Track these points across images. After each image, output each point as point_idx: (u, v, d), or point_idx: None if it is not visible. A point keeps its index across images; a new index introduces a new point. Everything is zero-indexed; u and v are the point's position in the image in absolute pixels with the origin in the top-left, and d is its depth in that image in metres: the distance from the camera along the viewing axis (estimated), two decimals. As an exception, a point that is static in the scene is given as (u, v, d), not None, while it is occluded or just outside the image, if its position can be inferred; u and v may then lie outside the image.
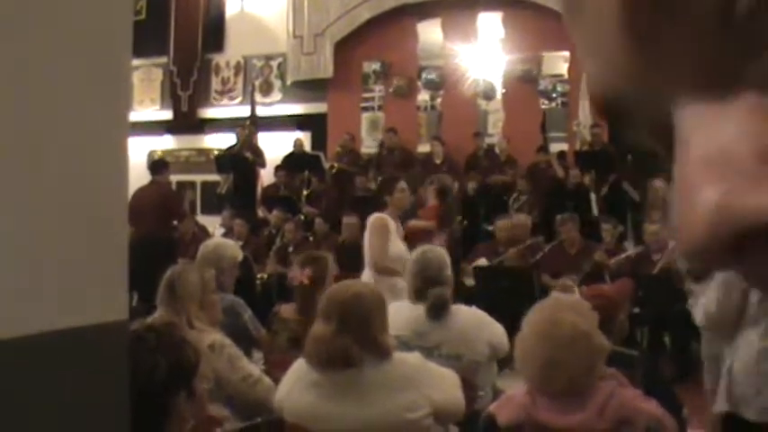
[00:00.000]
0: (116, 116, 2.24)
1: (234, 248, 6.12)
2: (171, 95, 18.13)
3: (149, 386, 2.55)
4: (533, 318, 3.25)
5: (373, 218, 7.44)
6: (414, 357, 3.78)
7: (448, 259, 5.05)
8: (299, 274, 5.65)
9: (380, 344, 3.73)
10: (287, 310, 5.63)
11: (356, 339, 3.66)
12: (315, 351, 3.66)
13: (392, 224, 7.33)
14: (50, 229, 2.04)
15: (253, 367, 4.54)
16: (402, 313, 4.56)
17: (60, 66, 2.05)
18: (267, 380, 4.45)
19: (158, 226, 11.14)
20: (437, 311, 4.77)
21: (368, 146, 16.55)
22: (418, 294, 4.88)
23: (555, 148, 14.97)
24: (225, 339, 4.42)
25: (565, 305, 3.34)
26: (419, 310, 4.81)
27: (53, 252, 2.05)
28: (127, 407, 2.27)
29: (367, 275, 7.13)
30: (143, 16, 17.86)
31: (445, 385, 3.79)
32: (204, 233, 13.16)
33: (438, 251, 5.18)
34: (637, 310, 8.88)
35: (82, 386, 2.11)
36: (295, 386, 3.79)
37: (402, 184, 7.66)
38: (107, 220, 2.20)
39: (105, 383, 2.19)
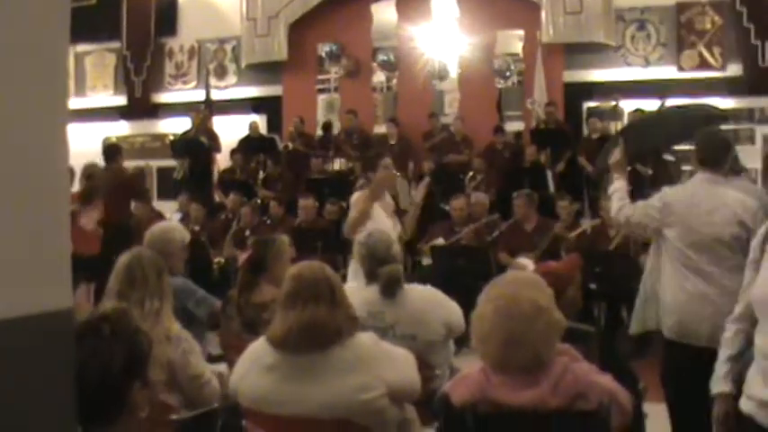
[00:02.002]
0: (55, 102, 2.21)
1: (181, 231, 6.02)
2: (124, 80, 17.99)
3: (105, 377, 2.53)
4: (491, 294, 3.22)
5: (355, 195, 7.73)
6: (368, 338, 3.77)
7: (394, 238, 5.07)
8: (243, 257, 5.70)
9: (355, 318, 3.85)
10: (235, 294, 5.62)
11: (345, 316, 3.74)
12: (293, 334, 3.63)
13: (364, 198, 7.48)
14: (-11, 217, 2.01)
15: (205, 366, 4.47)
16: (356, 294, 4.55)
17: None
18: (215, 383, 4.40)
19: (114, 212, 11.04)
20: (390, 289, 4.78)
21: (325, 127, 16.53)
22: (370, 276, 4.89)
23: (511, 126, 15.05)
24: (183, 331, 4.36)
25: (523, 281, 3.32)
26: (372, 290, 4.82)
27: (-8, 240, 2.02)
28: (73, 396, 2.24)
29: None
30: (94, 1, 17.68)
31: (400, 365, 3.79)
32: (160, 219, 13.08)
33: (383, 232, 5.19)
34: (593, 285, 8.91)
35: (26, 377, 2.08)
36: (251, 370, 3.77)
37: (386, 161, 7.74)
38: (48, 207, 2.17)
39: (50, 373, 2.16)
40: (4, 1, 2.05)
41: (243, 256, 6.08)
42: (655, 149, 10.65)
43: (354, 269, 7.26)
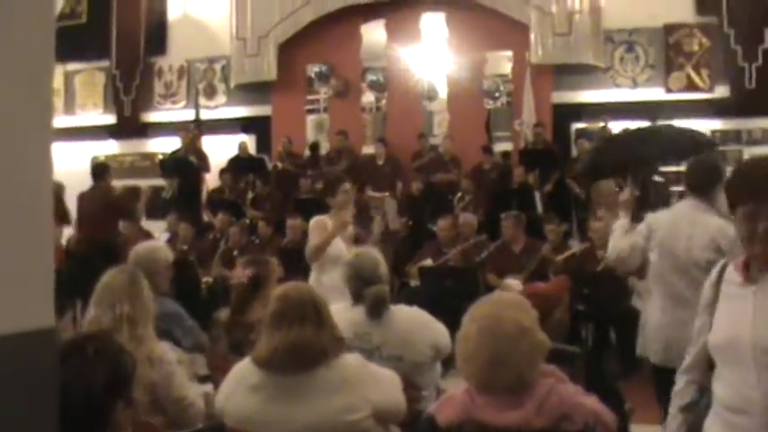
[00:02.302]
0: (39, 120, 2.21)
1: (165, 251, 6.00)
2: (114, 100, 17.99)
3: (88, 397, 2.52)
4: (475, 314, 3.23)
5: (314, 220, 7.58)
6: (354, 359, 3.77)
7: (382, 259, 5.05)
8: (240, 273, 5.65)
9: (341, 339, 3.84)
10: (227, 314, 5.59)
11: (331, 336, 3.74)
12: (278, 355, 3.63)
13: (331, 225, 7.40)
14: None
15: (189, 388, 4.40)
16: (342, 315, 4.54)
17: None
18: (200, 405, 4.34)
19: (102, 231, 11.03)
20: (376, 310, 4.76)
21: (314, 148, 16.55)
22: (356, 296, 4.88)
23: (500, 147, 15.07)
24: (166, 354, 4.31)
25: (506, 302, 3.32)
26: (359, 311, 4.80)
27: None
28: (55, 417, 2.23)
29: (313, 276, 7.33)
30: (84, 20, 17.74)
31: (385, 386, 3.78)
32: (149, 238, 13.05)
33: (371, 252, 5.17)
34: (581, 307, 8.92)
35: (9, 396, 2.07)
36: (236, 390, 3.76)
37: (345, 186, 7.72)
38: (31, 225, 2.16)
39: (32, 394, 2.15)
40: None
41: (236, 274, 6.01)
42: (640, 163, 10.77)
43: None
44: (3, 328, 2.04)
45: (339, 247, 7.26)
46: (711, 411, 3.34)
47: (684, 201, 5.49)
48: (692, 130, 11.34)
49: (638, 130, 11.76)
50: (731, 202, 3.21)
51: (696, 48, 14.74)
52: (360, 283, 4.86)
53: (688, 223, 5.21)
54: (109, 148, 18.04)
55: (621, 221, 5.77)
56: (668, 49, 14.85)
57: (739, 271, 3.29)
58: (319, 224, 7.46)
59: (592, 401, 3.20)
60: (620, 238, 5.67)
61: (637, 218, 5.77)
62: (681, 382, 3.68)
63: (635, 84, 15.05)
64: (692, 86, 14.67)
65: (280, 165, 15.55)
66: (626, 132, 12.17)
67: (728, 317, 3.30)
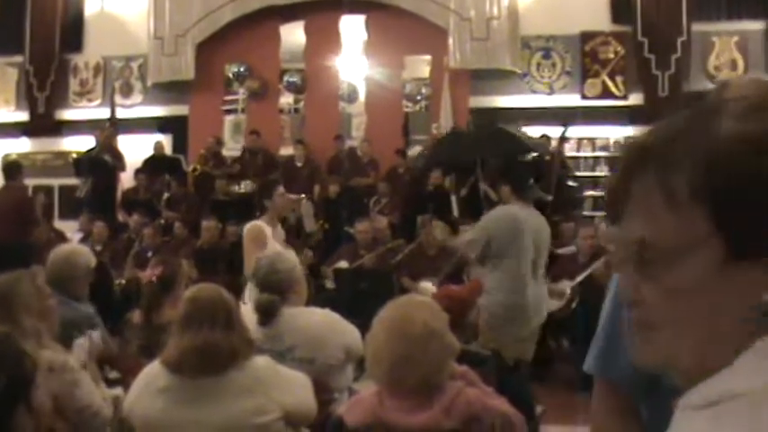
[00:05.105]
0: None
1: (87, 255, 5.76)
2: (27, 96, 17.60)
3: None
4: (385, 316, 3.25)
5: (248, 226, 7.44)
6: (264, 361, 3.76)
7: (286, 262, 4.97)
8: (150, 273, 5.57)
9: (251, 341, 3.83)
10: (138, 316, 5.50)
11: (241, 339, 3.72)
12: (187, 357, 3.59)
13: (268, 230, 7.30)
14: None
15: (93, 396, 4.18)
16: (253, 317, 4.52)
17: None
18: (106, 412, 4.19)
19: (13, 232, 10.79)
20: (263, 317, 4.68)
21: (231, 149, 16.45)
22: None
23: (417, 150, 15.13)
24: (68, 362, 4.10)
25: (417, 304, 3.34)
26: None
27: None
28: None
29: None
30: (-5, 13, 17.39)
31: (296, 389, 3.78)
32: (61, 238, 12.84)
33: (273, 256, 5.10)
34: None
35: None
36: (144, 392, 3.73)
37: (281, 189, 7.66)
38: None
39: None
40: None
41: (145, 275, 5.93)
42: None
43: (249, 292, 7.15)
44: None
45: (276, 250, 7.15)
46: None
47: None
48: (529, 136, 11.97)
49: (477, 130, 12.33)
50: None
51: (611, 55, 15.02)
52: (258, 288, 4.83)
53: None
54: (21, 146, 17.65)
55: None
56: (584, 56, 15.10)
57: None
58: (253, 232, 7.32)
59: (500, 403, 3.23)
60: None
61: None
62: None
63: (551, 90, 15.26)
64: (607, 93, 14.94)
65: (199, 167, 15.39)
66: (462, 132, 12.71)
67: None
